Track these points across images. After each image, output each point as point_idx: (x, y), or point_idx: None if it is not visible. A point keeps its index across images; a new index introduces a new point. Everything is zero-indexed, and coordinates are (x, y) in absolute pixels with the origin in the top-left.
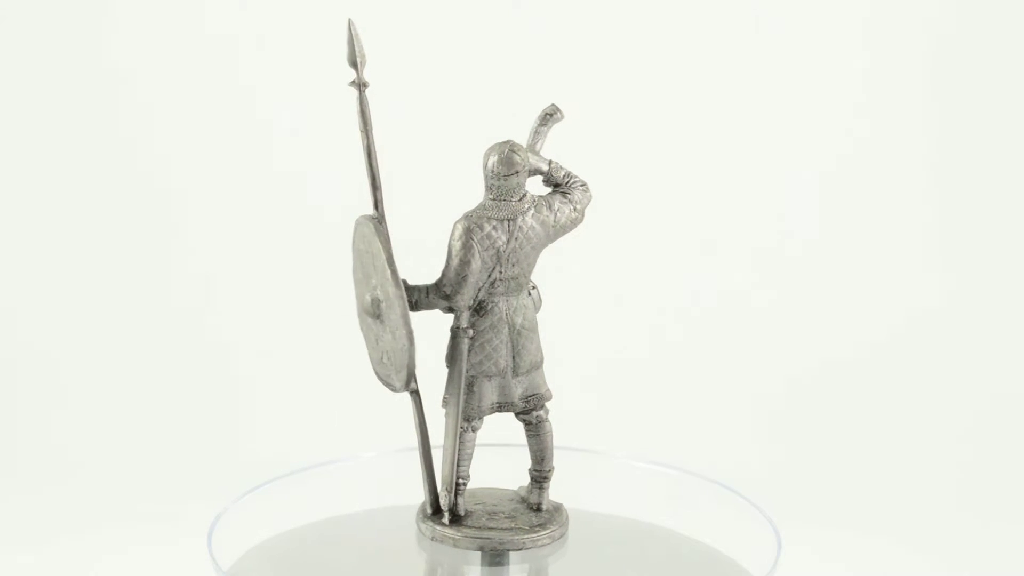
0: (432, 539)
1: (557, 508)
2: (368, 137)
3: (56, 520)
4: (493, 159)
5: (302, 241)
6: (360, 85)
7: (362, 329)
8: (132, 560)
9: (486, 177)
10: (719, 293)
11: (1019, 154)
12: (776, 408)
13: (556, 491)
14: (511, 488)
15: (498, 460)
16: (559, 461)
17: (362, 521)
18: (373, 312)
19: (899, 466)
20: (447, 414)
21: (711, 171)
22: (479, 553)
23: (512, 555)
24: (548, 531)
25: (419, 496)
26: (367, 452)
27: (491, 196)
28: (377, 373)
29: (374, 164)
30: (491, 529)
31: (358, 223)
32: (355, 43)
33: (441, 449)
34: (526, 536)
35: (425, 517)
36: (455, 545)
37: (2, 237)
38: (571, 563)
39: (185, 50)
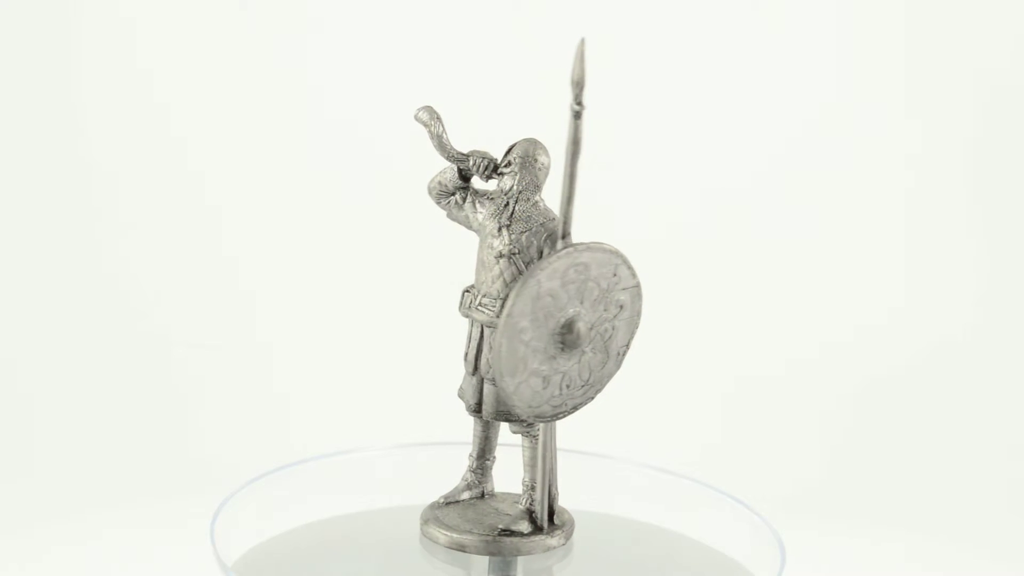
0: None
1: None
2: (575, 162)
3: (58, 519)
4: (546, 159)
5: (309, 238)
6: (578, 108)
7: (508, 361)
8: (135, 558)
9: (544, 175)
10: (724, 301)
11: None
12: (780, 414)
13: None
14: (516, 492)
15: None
16: (562, 463)
17: (365, 521)
18: (567, 339)
19: (902, 473)
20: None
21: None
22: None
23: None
24: (553, 535)
25: (421, 494)
26: (373, 447)
27: (539, 194)
28: (529, 409)
29: (574, 190)
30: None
31: (586, 248)
32: (583, 64)
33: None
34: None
35: (547, 531)
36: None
37: None
38: (576, 566)
39: (146, 54)
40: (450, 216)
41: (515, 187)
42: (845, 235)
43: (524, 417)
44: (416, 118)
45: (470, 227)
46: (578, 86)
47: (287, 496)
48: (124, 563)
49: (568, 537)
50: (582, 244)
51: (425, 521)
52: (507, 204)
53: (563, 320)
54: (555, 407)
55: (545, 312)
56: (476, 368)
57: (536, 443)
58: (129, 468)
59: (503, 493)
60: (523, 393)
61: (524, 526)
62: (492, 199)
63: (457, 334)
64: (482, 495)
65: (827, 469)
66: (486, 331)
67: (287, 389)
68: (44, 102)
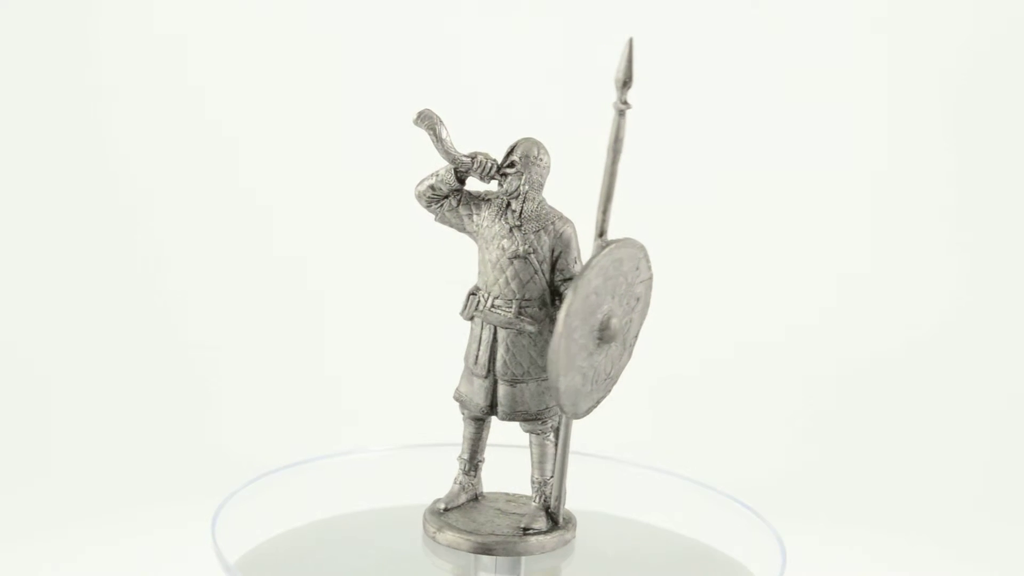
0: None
1: (529, 529)
2: (616, 159)
3: (60, 520)
4: (548, 158)
5: (309, 241)
6: (623, 107)
7: (564, 359)
8: (137, 558)
9: (546, 174)
10: (726, 305)
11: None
12: (781, 418)
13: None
14: (521, 492)
15: (507, 462)
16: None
17: (367, 521)
18: (604, 334)
19: (903, 475)
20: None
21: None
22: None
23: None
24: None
25: (421, 494)
26: (373, 448)
27: (542, 192)
28: (573, 406)
29: (613, 187)
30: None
31: (622, 244)
32: (630, 63)
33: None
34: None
35: (562, 526)
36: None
37: None
38: (578, 565)
39: (163, 66)
40: (441, 220)
41: (521, 187)
42: (828, 227)
43: (568, 415)
44: (418, 122)
45: (463, 230)
46: (625, 85)
47: (289, 496)
48: (126, 563)
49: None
50: (618, 240)
51: (438, 529)
52: (508, 204)
53: (600, 316)
54: (587, 402)
55: (590, 310)
56: (490, 370)
57: (545, 440)
58: (131, 469)
59: (492, 493)
60: (569, 391)
61: (542, 522)
62: (488, 200)
63: (457, 335)
64: (475, 497)
65: (827, 470)
66: (500, 332)
67: (288, 391)
68: (65, 93)
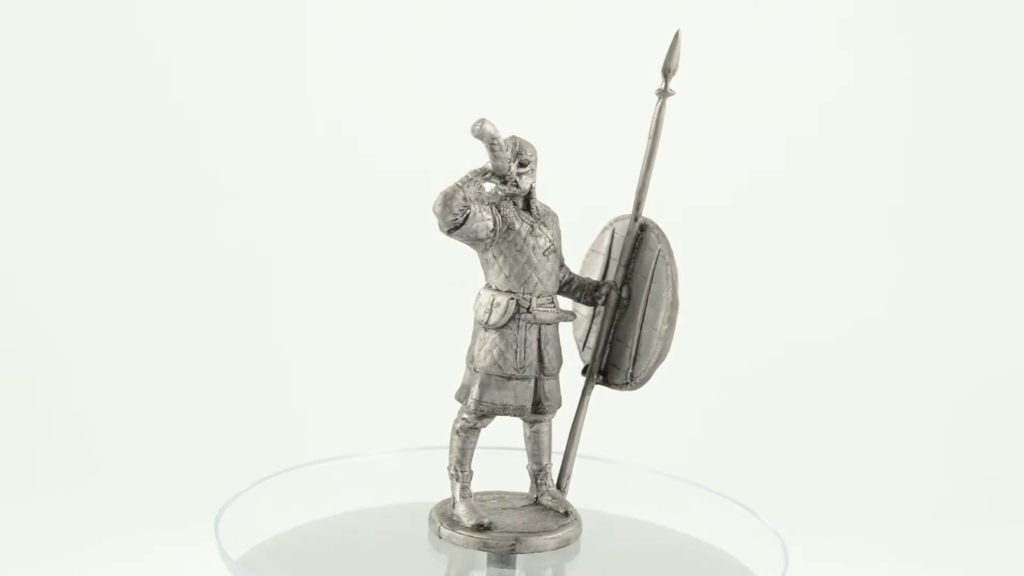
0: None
1: (568, 511)
2: (655, 145)
3: (61, 519)
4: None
5: (313, 245)
6: (666, 94)
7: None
8: (143, 556)
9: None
10: (717, 304)
11: (1005, 148)
12: (782, 418)
13: (572, 496)
14: (524, 491)
15: (509, 462)
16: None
17: (369, 520)
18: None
19: (898, 473)
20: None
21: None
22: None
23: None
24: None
25: (422, 495)
26: (379, 449)
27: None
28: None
29: (650, 172)
30: (562, 524)
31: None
32: (677, 53)
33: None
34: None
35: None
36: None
37: (12, 238)
38: (582, 565)
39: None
40: (462, 233)
41: (533, 184)
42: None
43: (638, 389)
44: (478, 133)
45: (476, 237)
46: (671, 73)
47: (292, 496)
48: (129, 563)
49: None
50: (650, 221)
51: (515, 542)
52: (515, 202)
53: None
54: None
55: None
56: (543, 369)
57: (546, 426)
58: (134, 470)
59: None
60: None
61: (568, 503)
62: (495, 203)
63: (457, 337)
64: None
65: (827, 470)
66: (544, 330)
67: (290, 394)
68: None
